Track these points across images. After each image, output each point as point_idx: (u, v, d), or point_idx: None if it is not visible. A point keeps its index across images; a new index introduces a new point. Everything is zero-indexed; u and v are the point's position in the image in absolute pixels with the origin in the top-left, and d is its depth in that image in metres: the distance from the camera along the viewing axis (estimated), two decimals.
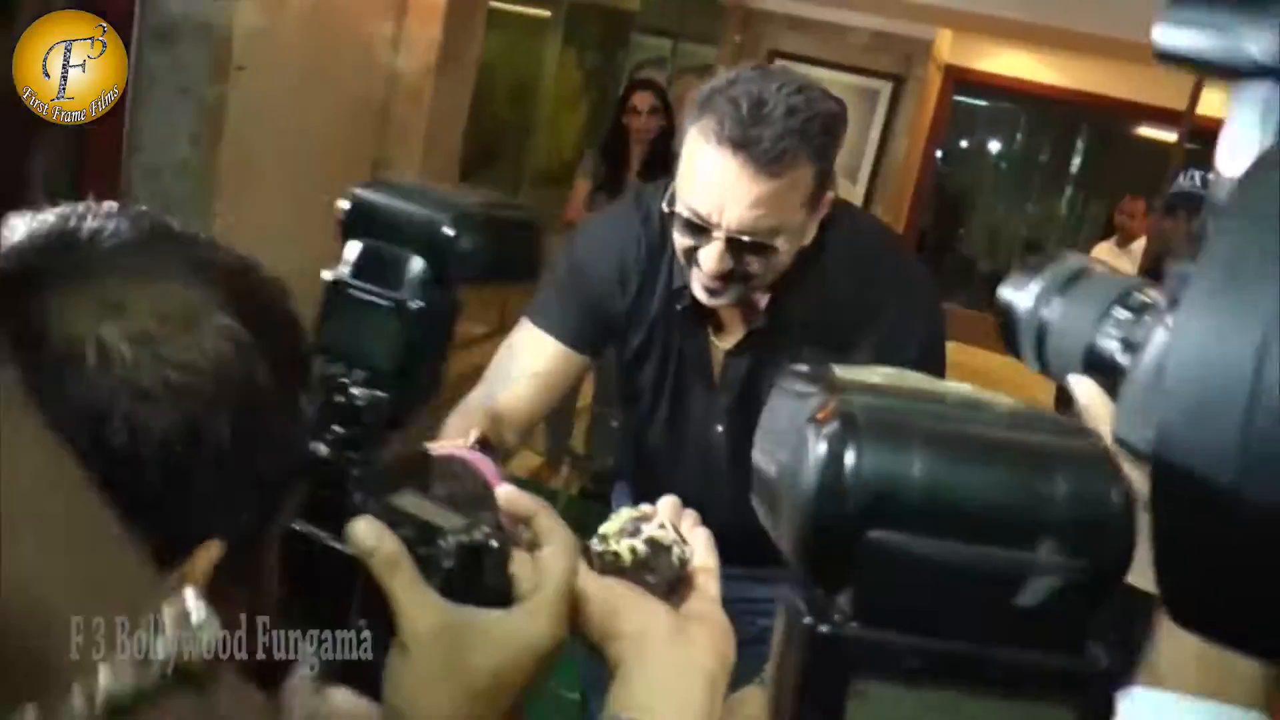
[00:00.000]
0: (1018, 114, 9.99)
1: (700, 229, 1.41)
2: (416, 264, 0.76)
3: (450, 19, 4.47)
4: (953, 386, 0.44)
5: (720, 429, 1.66)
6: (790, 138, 1.34)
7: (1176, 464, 0.37)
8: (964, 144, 10.21)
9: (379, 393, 0.74)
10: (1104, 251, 7.06)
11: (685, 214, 1.42)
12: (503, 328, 5.75)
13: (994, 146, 10.04)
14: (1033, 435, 0.40)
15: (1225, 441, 0.36)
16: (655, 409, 1.71)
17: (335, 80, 4.26)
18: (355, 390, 0.74)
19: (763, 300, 1.56)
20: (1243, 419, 0.36)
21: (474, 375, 1.63)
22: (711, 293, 1.47)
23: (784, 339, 1.55)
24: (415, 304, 0.75)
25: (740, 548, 1.17)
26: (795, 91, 1.37)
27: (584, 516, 4.57)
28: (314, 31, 4.10)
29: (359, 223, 0.78)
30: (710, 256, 1.41)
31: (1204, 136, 6.90)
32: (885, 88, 8.46)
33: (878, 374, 0.43)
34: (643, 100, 4.52)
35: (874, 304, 1.54)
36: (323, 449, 0.72)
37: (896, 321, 1.54)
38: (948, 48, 8.88)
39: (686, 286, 1.53)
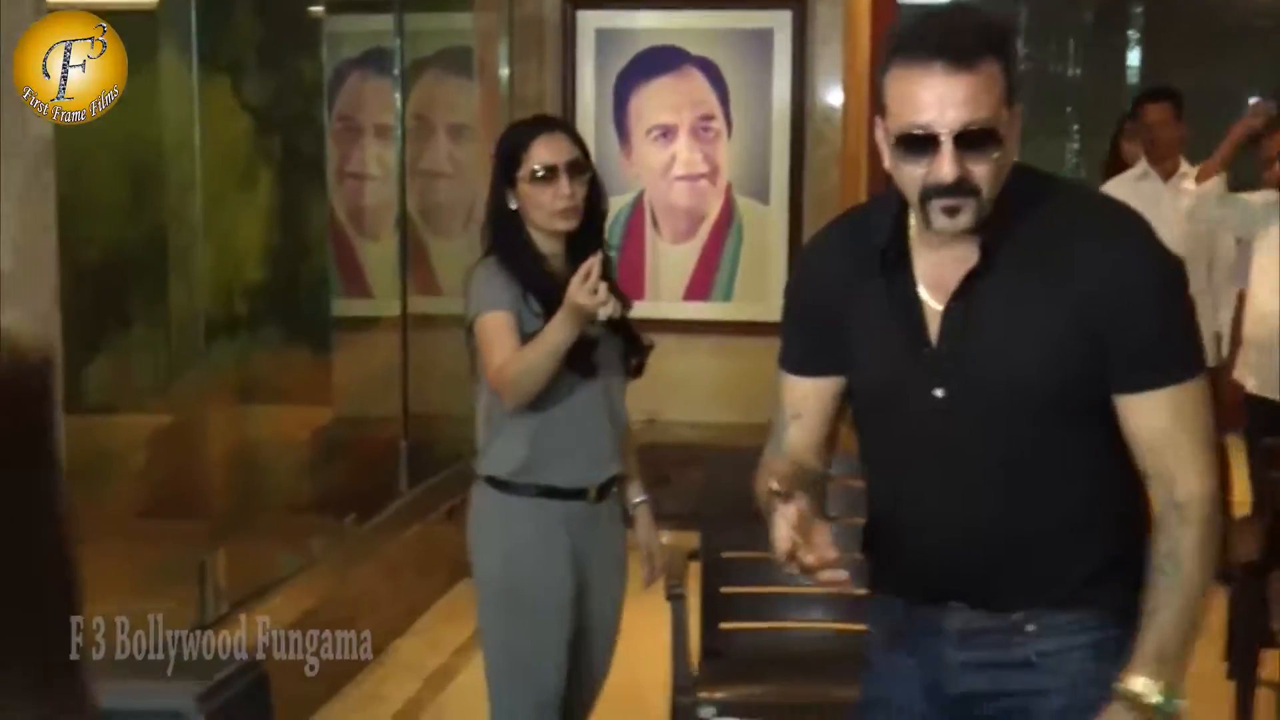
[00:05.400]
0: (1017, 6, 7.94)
1: (926, 141, 1.62)
2: None
3: None
4: None
5: (940, 393, 1.74)
6: (975, 37, 1.61)
7: None
8: None
9: None
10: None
11: (912, 132, 1.62)
12: None
13: None
14: None
15: None
16: (874, 388, 1.83)
17: None
18: None
19: (974, 247, 1.70)
20: None
21: None
22: (949, 212, 1.63)
23: (1002, 280, 1.71)
24: None
25: (980, 577, 1.66)
26: (967, 9, 1.73)
27: None
28: None
29: None
30: (943, 161, 1.60)
31: None
32: (782, 19, 5.44)
33: None
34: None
35: (1085, 235, 1.71)
36: None
37: (1122, 257, 1.69)
38: None
39: (892, 238, 1.74)
